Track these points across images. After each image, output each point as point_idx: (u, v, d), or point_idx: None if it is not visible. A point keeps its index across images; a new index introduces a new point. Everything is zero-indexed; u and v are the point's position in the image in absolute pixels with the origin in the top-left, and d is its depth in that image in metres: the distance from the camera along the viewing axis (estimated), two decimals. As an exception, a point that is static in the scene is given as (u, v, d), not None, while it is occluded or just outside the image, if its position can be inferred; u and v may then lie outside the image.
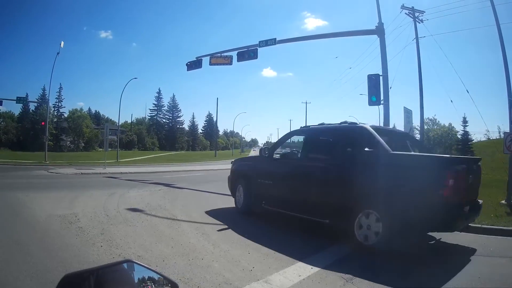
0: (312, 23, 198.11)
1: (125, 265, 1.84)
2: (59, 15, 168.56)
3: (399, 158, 8.04)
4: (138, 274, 1.78)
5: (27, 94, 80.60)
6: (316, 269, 6.17)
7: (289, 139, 12.77)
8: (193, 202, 14.81)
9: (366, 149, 8.44)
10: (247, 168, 12.46)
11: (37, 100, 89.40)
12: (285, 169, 10.59)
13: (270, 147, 11.90)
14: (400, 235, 7.15)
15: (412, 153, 9.83)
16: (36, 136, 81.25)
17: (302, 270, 6.14)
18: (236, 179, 12.67)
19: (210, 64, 25.67)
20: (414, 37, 35.38)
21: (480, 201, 8.71)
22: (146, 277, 1.78)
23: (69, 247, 7.51)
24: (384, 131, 11.00)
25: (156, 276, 1.81)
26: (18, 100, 48.62)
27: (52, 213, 11.18)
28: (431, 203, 6.98)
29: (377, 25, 21.05)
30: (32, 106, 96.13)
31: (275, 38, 23.77)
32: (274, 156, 11.37)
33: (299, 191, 9.77)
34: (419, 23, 34.74)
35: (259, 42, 23.96)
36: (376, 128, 9.25)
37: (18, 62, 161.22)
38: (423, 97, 36.69)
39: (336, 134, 9.98)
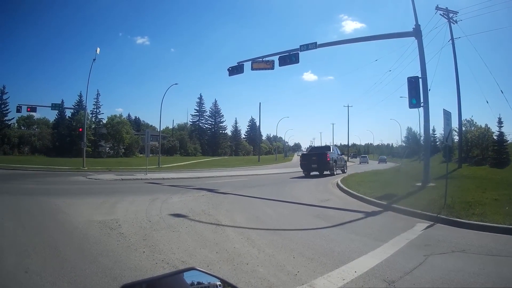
0: (350, 26, 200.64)
1: (189, 273, 1.80)
2: (93, 21, 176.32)
3: (304, 154, 41.03)
4: (203, 281, 1.76)
5: (62, 100, 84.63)
6: (359, 272, 6.30)
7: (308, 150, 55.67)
8: (237, 207, 14.85)
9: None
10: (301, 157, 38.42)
11: (74, 106, 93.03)
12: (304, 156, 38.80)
13: (306, 152, 50.36)
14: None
15: (304, 152, 60.40)
16: (73, 142, 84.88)
17: (346, 274, 6.27)
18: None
19: (252, 69, 26.40)
20: (450, 38, 35.99)
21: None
22: (211, 285, 1.76)
23: (109, 253, 7.56)
24: (315, 148, 54.90)
25: (221, 283, 1.79)
26: (54, 106, 50.35)
27: (91, 218, 11.37)
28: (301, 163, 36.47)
29: (414, 27, 21.68)
30: (68, 113, 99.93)
31: (316, 42, 24.36)
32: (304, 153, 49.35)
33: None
34: (453, 23, 35.52)
35: (300, 46, 24.48)
36: (311, 148, 61.57)
37: (52, 69, 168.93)
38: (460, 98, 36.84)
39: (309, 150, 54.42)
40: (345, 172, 37.82)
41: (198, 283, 1.72)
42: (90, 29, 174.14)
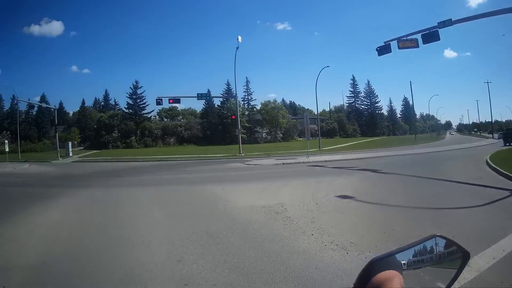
0: (474, 1, 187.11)
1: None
2: (229, 12, 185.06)
3: (503, 133, 63.08)
4: (445, 249, 1.62)
5: (208, 90, 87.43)
6: (507, 251, 6.34)
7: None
8: (399, 186, 14.97)
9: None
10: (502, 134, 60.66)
11: (222, 94, 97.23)
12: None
13: (504, 132, 61.68)
14: None
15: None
16: (225, 130, 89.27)
17: (496, 252, 6.33)
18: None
19: (399, 48, 27.02)
20: None
21: None
22: (452, 252, 1.61)
23: (276, 238, 7.57)
24: (508, 128, 67.46)
25: (460, 251, 1.61)
26: (200, 96, 52.69)
27: (254, 204, 11.59)
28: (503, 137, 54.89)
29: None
30: (217, 102, 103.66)
31: (451, 19, 24.30)
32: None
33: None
34: None
35: (438, 23, 24.57)
36: (506, 128, 74.59)
37: (194, 62, 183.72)
38: None
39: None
40: None
41: (441, 250, 1.57)
42: (228, 20, 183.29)
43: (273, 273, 5.44)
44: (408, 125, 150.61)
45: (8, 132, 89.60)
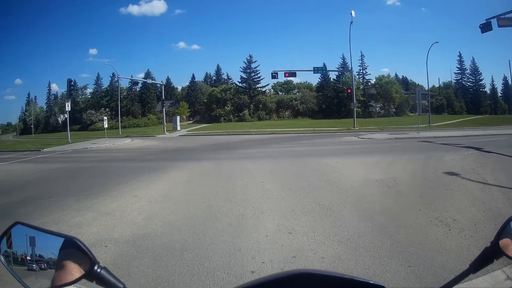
0: None
1: None
2: None
3: None
4: None
5: (324, 64, 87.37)
6: None
7: None
8: (501, 166, 14.48)
9: None
10: None
11: (337, 68, 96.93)
12: None
13: None
14: None
15: None
16: (340, 104, 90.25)
17: None
18: None
19: (499, 26, 27.94)
20: None
21: None
22: None
23: (386, 211, 8.08)
24: None
25: None
26: (316, 70, 53.31)
27: (367, 177, 12.28)
28: None
29: None
30: (332, 75, 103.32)
31: None
32: None
33: None
34: None
35: None
36: None
37: (310, 35, 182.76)
38: None
39: None
40: None
41: None
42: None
43: (380, 246, 5.84)
44: (507, 105, 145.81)
45: (107, 109, 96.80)
